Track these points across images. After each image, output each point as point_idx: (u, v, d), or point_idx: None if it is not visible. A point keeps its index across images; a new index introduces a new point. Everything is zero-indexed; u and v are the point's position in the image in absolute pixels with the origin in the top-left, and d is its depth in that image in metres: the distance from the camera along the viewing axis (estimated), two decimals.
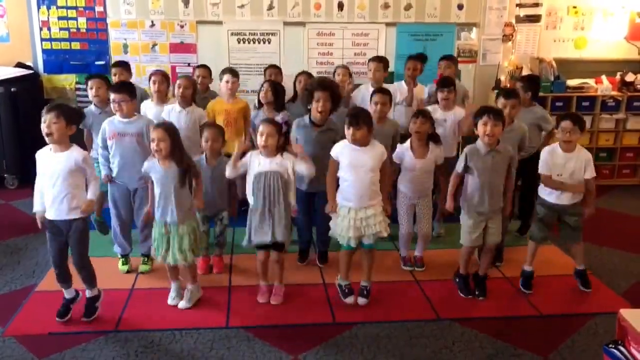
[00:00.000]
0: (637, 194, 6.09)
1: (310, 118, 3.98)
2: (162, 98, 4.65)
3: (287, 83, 5.18)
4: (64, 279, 3.52)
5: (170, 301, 3.71)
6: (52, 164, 3.31)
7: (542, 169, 3.84)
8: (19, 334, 3.37)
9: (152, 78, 4.64)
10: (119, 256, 4.19)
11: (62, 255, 3.47)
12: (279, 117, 3.93)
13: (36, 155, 3.39)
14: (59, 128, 3.25)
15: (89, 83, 4.35)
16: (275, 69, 5.37)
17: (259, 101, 4.75)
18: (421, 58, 5.17)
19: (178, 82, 4.42)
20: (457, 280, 3.98)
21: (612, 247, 4.49)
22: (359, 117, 3.50)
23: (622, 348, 2.47)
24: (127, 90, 3.95)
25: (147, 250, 4.13)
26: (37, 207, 3.41)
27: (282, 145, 3.61)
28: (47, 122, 3.24)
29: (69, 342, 3.29)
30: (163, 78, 4.65)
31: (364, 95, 4.88)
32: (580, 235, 3.90)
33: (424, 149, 4.05)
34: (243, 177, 3.72)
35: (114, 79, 4.98)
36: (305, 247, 4.33)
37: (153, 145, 3.44)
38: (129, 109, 3.91)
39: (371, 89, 4.79)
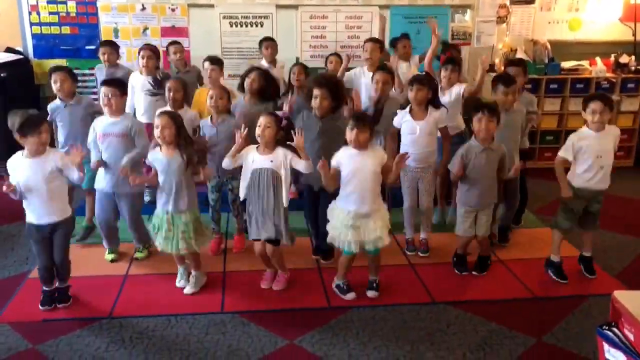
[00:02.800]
0: (630, 175, 6.10)
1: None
2: (150, 71, 4.70)
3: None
4: (49, 279, 3.51)
5: (177, 283, 3.75)
6: (28, 173, 3.26)
7: (564, 152, 3.78)
8: (13, 321, 3.37)
9: (141, 53, 4.73)
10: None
11: (50, 258, 3.45)
12: (280, 112, 3.92)
13: (7, 164, 3.33)
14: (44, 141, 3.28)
15: (53, 76, 4.17)
16: (271, 42, 5.36)
17: (241, 85, 4.47)
18: (408, 36, 5.33)
19: (168, 85, 4.32)
20: (455, 258, 4.04)
21: (605, 229, 4.50)
22: (364, 120, 3.48)
23: (615, 330, 2.48)
24: (118, 85, 3.91)
25: (141, 244, 4.15)
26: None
27: (280, 139, 3.57)
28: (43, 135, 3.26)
29: (64, 329, 3.29)
30: (152, 53, 4.74)
31: (354, 77, 4.86)
32: (597, 223, 3.88)
33: (424, 112, 4.08)
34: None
35: (102, 58, 4.97)
36: (318, 241, 4.15)
37: (157, 132, 3.42)
38: (118, 105, 3.85)
39: (366, 72, 4.76)
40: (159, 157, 3.52)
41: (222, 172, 3.98)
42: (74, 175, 3.36)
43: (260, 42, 5.47)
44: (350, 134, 3.43)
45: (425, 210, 4.27)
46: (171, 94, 4.28)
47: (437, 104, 4.14)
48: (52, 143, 4.16)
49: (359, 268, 3.71)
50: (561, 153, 3.80)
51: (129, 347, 3.14)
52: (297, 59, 5.67)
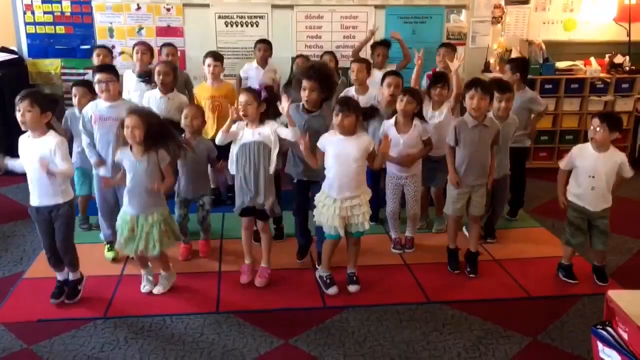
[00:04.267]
0: None
1: (303, 104, 3.86)
2: (144, 67, 4.70)
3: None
4: (57, 262, 3.53)
5: (142, 289, 3.68)
6: (31, 151, 3.29)
7: (561, 163, 3.80)
8: (8, 321, 3.35)
9: (136, 48, 4.74)
10: (105, 243, 4.16)
11: (52, 241, 3.46)
12: (256, 85, 3.88)
13: (19, 140, 3.37)
14: (33, 116, 3.22)
15: (73, 90, 4.20)
16: (265, 44, 5.37)
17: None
18: (385, 44, 5.34)
19: (158, 68, 4.34)
20: (448, 255, 4.04)
21: None
22: (349, 104, 3.48)
23: (609, 329, 2.49)
24: (113, 70, 3.90)
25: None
26: None
27: (264, 112, 3.59)
28: (22, 110, 3.21)
29: (58, 329, 3.28)
30: (146, 49, 4.76)
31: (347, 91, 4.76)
32: (606, 241, 3.75)
33: (409, 125, 4.06)
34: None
35: (97, 60, 4.97)
36: (303, 243, 4.12)
37: (127, 132, 3.35)
38: (115, 90, 3.84)
39: (352, 91, 4.68)
40: (128, 157, 3.45)
41: (193, 192, 4.01)
42: (57, 169, 3.30)
43: (255, 43, 5.46)
44: (335, 119, 3.45)
45: (412, 217, 4.30)
46: (161, 77, 4.28)
47: (421, 116, 4.12)
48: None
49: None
50: (560, 162, 3.81)
51: (124, 348, 3.14)
52: (293, 59, 5.66)
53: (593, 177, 3.62)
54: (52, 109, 3.37)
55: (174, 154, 3.50)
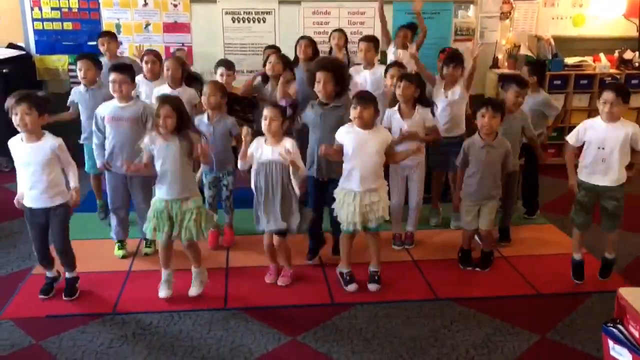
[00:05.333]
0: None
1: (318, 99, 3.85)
2: (155, 76, 4.67)
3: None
4: (47, 262, 3.55)
5: (160, 294, 3.56)
6: (26, 154, 3.29)
7: (570, 135, 3.74)
8: (17, 317, 3.36)
9: (145, 58, 4.67)
10: (115, 242, 4.16)
11: (45, 240, 3.48)
12: (282, 101, 3.90)
13: (9, 144, 3.35)
14: (32, 119, 3.22)
15: (78, 64, 4.32)
16: (274, 49, 5.29)
17: (264, 75, 4.65)
18: (410, 27, 5.30)
19: (166, 63, 4.35)
20: (459, 255, 4.04)
21: None
22: (366, 97, 3.48)
23: (620, 327, 2.47)
24: (128, 71, 3.89)
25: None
26: (19, 192, 3.42)
27: (286, 129, 3.57)
28: (20, 113, 3.19)
29: (67, 325, 3.28)
30: (155, 58, 4.68)
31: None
32: (617, 224, 3.69)
33: (412, 111, 4.06)
34: None
35: (102, 48, 4.96)
36: (314, 244, 4.07)
37: (159, 121, 3.34)
38: (128, 91, 3.84)
39: (361, 71, 4.72)
40: (158, 142, 3.42)
41: (217, 167, 3.98)
42: (68, 167, 3.39)
43: (264, 50, 5.35)
44: (353, 112, 3.43)
45: (414, 208, 4.30)
46: (169, 72, 4.29)
47: (425, 102, 4.11)
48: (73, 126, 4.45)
49: (365, 264, 3.73)
50: (568, 136, 3.76)
51: (132, 343, 3.14)
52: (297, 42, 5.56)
53: (603, 148, 3.55)
54: (48, 110, 3.36)
55: (196, 137, 3.50)
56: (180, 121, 3.39)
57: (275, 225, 3.56)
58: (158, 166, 3.44)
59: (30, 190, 3.34)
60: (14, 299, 3.56)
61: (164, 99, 3.44)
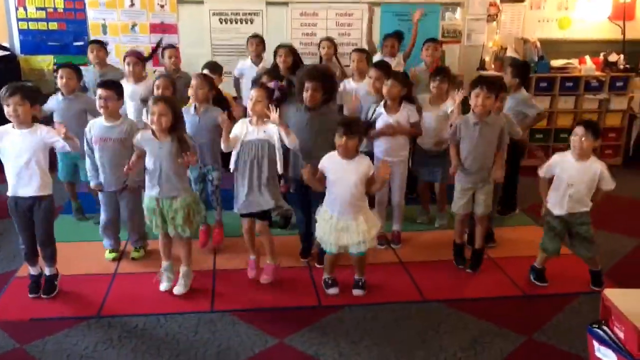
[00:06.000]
0: (619, 174, 6.04)
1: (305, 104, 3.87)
2: (137, 78, 4.70)
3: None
4: (32, 257, 3.56)
5: (161, 287, 3.63)
6: (18, 142, 3.32)
7: (540, 170, 3.76)
8: (0, 320, 3.32)
9: (127, 60, 4.69)
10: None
11: (32, 232, 3.49)
12: (271, 83, 3.89)
13: None
14: (25, 110, 3.27)
15: (60, 72, 4.29)
16: (257, 39, 5.35)
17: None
18: (397, 36, 5.31)
19: (157, 82, 4.28)
20: (454, 251, 4.06)
21: (594, 227, 4.52)
22: (352, 127, 3.41)
23: (605, 328, 2.49)
24: (115, 88, 3.86)
25: (138, 243, 4.14)
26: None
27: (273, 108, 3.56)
28: (13, 105, 3.23)
29: (51, 328, 3.25)
30: (137, 59, 4.70)
31: (344, 90, 4.70)
32: (591, 247, 3.70)
33: (397, 107, 4.11)
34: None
35: (91, 56, 4.92)
36: (306, 243, 4.09)
37: (153, 118, 3.34)
38: (114, 108, 3.82)
39: (352, 83, 4.71)
40: (150, 140, 3.43)
41: (203, 162, 3.99)
42: (61, 144, 3.37)
43: (248, 38, 5.42)
44: (339, 140, 3.40)
45: (397, 206, 4.31)
46: (160, 91, 4.25)
47: (410, 100, 4.16)
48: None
49: (350, 267, 3.72)
50: (539, 170, 3.78)
51: (118, 347, 3.11)
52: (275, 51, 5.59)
53: (572, 185, 3.60)
54: (39, 101, 3.42)
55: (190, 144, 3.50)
56: (175, 122, 3.39)
57: (260, 206, 3.56)
58: (149, 164, 3.45)
59: (18, 179, 3.36)
60: None
61: (158, 98, 3.45)
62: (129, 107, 4.70)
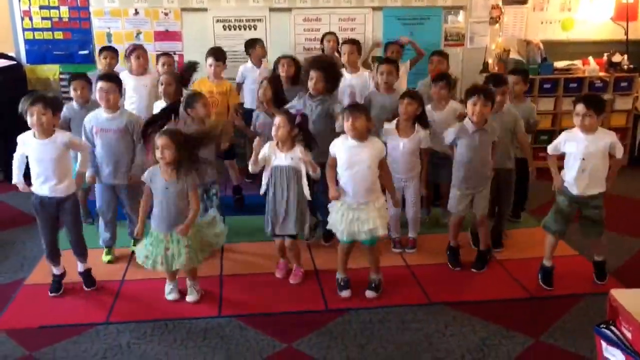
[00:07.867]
0: (625, 174, 6.06)
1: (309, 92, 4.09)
2: (141, 71, 4.82)
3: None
4: (55, 257, 3.64)
5: (167, 296, 3.65)
6: (39, 151, 3.39)
7: (550, 147, 3.75)
8: (9, 328, 3.34)
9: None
10: (104, 247, 4.17)
11: (55, 233, 3.58)
12: (293, 110, 3.92)
13: (18, 139, 3.44)
14: (48, 119, 3.34)
15: (73, 84, 4.29)
16: (258, 43, 5.42)
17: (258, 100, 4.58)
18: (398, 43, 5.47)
19: (161, 79, 4.36)
20: (448, 252, 4.07)
21: None
22: (357, 107, 3.53)
23: (613, 328, 2.48)
24: (116, 80, 3.93)
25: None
26: (18, 179, 3.56)
27: (294, 136, 3.60)
28: (36, 114, 3.29)
29: (60, 335, 3.27)
30: (142, 52, 4.85)
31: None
32: (601, 230, 3.70)
33: (410, 129, 4.07)
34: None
35: (104, 62, 4.96)
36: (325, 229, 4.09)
37: (157, 153, 3.37)
38: (115, 100, 3.87)
39: (346, 75, 4.73)
40: (158, 179, 3.44)
41: (202, 179, 3.99)
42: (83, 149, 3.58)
43: (250, 42, 5.46)
44: (346, 124, 3.43)
45: (412, 220, 4.31)
46: (163, 87, 4.30)
47: (425, 123, 4.12)
48: None
49: (362, 269, 3.75)
50: (548, 147, 3.77)
51: (126, 353, 3.13)
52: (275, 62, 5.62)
53: (584, 159, 3.54)
54: (60, 109, 3.53)
55: (202, 174, 3.55)
56: (181, 155, 3.37)
57: (288, 229, 3.67)
58: (155, 202, 3.47)
59: (43, 183, 3.44)
60: (6, 310, 3.54)
61: (163, 131, 3.48)
62: (132, 100, 4.81)
